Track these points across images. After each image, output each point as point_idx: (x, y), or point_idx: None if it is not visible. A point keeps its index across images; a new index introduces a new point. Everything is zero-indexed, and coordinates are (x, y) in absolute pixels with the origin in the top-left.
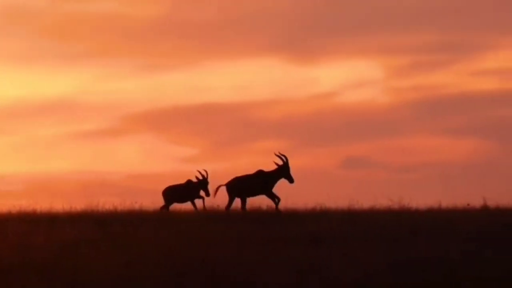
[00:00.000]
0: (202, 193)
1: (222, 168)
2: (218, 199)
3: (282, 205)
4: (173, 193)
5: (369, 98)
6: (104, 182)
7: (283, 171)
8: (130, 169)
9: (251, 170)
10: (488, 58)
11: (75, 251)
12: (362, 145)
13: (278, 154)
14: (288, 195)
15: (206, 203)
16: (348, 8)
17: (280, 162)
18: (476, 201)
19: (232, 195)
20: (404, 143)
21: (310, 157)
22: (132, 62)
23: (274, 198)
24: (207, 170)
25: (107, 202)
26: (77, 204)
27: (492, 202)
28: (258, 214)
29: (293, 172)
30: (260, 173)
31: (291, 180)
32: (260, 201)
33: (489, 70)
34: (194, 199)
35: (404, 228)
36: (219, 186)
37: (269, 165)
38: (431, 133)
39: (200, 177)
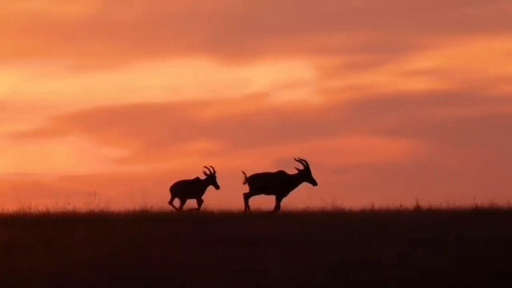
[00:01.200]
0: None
1: (155, 169)
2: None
3: (216, 206)
4: (180, 188)
5: (301, 99)
6: (36, 183)
7: (304, 175)
8: (62, 170)
9: (187, 171)
10: (419, 58)
11: (7, 254)
12: (295, 145)
13: (298, 159)
14: (222, 196)
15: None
16: (280, 9)
17: (301, 167)
18: (408, 202)
19: (251, 190)
20: (336, 144)
21: (243, 158)
22: (63, 62)
23: (279, 204)
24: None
25: (39, 204)
26: (9, 206)
27: (424, 203)
28: (193, 214)
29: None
30: (281, 173)
31: (314, 183)
32: (194, 203)
33: (421, 70)
34: (201, 197)
35: (337, 229)
36: (245, 180)
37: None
38: (363, 133)
39: (208, 173)
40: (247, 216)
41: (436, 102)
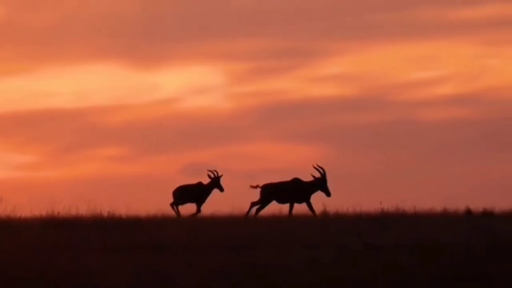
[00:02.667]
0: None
1: (62, 175)
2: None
3: (124, 212)
4: (182, 192)
5: (210, 104)
6: None
7: (320, 183)
8: None
9: (95, 177)
10: (327, 64)
11: None
12: (204, 151)
13: (316, 166)
14: (129, 202)
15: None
16: (189, 14)
17: (318, 175)
18: (316, 207)
19: (266, 198)
20: (245, 149)
21: (152, 163)
22: None
23: (312, 208)
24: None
25: None
26: None
27: (331, 208)
28: (101, 221)
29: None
30: (295, 180)
31: (328, 194)
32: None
33: (328, 76)
34: (203, 201)
35: (245, 234)
36: (255, 186)
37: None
38: (272, 139)
39: (212, 176)
40: (155, 222)
41: (343, 108)
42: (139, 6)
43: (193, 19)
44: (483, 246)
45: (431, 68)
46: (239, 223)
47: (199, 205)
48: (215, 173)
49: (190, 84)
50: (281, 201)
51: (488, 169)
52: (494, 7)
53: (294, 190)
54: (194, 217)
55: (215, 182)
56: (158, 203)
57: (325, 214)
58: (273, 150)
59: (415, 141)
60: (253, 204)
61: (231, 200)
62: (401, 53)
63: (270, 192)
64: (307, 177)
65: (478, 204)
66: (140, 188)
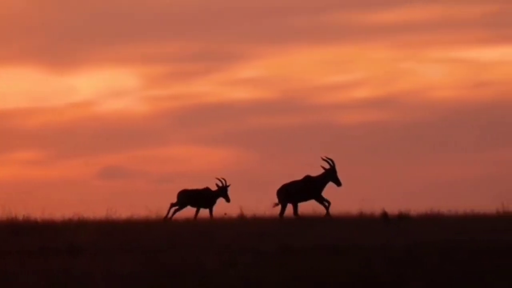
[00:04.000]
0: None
1: None
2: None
3: (39, 216)
4: (187, 196)
5: (126, 107)
6: None
7: (330, 174)
8: None
9: (10, 180)
10: (244, 68)
11: None
12: (120, 154)
13: (324, 158)
14: (45, 205)
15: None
16: (105, 17)
17: (327, 166)
18: (233, 211)
19: (283, 201)
20: (162, 152)
21: (67, 167)
22: None
23: (324, 202)
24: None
25: None
26: None
27: (248, 211)
28: (16, 224)
29: (340, 175)
30: (307, 178)
31: (338, 184)
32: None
33: (245, 79)
34: (211, 206)
35: (162, 237)
36: (275, 205)
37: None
38: (189, 142)
39: (220, 184)
40: (70, 226)
41: (260, 111)
42: (55, 9)
43: (110, 22)
44: (399, 248)
45: (346, 72)
46: (154, 225)
47: (206, 209)
48: (223, 182)
49: (106, 87)
50: (298, 200)
51: (403, 172)
52: (408, 11)
53: (307, 188)
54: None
55: (222, 191)
56: (74, 206)
57: (241, 217)
58: (190, 153)
59: (331, 144)
60: (276, 204)
61: (147, 203)
62: (317, 57)
63: (289, 191)
64: (299, 174)
65: (394, 207)
66: (56, 192)
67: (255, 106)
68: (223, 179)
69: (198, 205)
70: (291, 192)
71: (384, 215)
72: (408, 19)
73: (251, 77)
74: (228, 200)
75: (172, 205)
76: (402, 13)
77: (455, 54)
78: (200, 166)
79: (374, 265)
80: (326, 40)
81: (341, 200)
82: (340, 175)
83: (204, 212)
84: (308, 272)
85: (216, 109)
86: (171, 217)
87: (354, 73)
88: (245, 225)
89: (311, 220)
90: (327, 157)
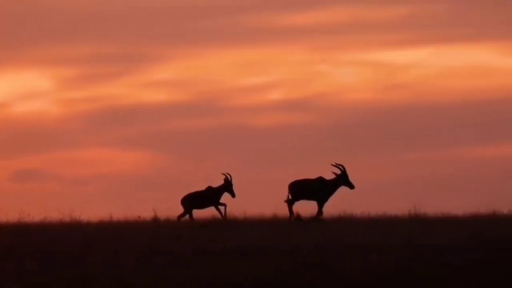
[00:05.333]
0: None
1: None
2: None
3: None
4: (192, 200)
5: (40, 110)
6: None
7: (342, 179)
8: None
9: None
10: (159, 69)
11: None
12: (34, 157)
13: (334, 164)
14: None
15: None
16: (18, 19)
17: (338, 172)
18: (147, 213)
19: (294, 196)
20: (75, 155)
21: None
22: None
23: (321, 210)
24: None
25: None
26: None
27: (162, 214)
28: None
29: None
30: (320, 179)
31: (351, 187)
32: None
33: (159, 82)
34: (217, 205)
35: (75, 241)
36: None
37: None
38: (103, 144)
39: (226, 179)
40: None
41: (175, 113)
42: None
43: (22, 24)
44: (311, 251)
45: (261, 74)
46: (68, 228)
47: (217, 208)
48: (229, 177)
49: (19, 89)
50: (307, 198)
51: (317, 174)
52: (323, 14)
53: (318, 188)
54: (225, 219)
55: (226, 186)
56: None
57: (156, 220)
58: (104, 156)
59: (245, 147)
60: (288, 202)
61: (61, 206)
62: (232, 59)
63: (298, 188)
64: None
65: (307, 209)
66: None
67: (170, 108)
68: (228, 174)
69: (203, 206)
70: (301, 189)
71: (298, 217)
72: (322, 22)
73: (165, 79)
74: (233, 195)
75: (180, 216)
76: (317, 16)
77: (369, 57)
78: (114, 168)
79: (286, 267)
80: (241, 42)
81: (256, 202)
82: (254, 178)
83: (118, 215)
84: (222, 275)
85: (130, 111)
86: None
87: (269, 75)
88: (159, 227)
89: (225, 223)
90: (337, 163)
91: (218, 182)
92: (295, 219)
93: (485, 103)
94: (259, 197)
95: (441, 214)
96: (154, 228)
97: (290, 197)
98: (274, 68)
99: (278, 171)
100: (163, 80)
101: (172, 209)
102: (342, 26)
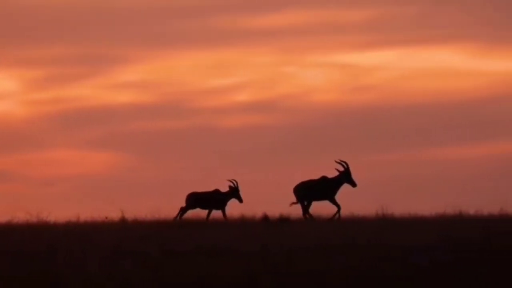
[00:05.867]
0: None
1: None
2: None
3: None
4: (197, 199)
5: (6, 111)
6: None
7: (345, 176)
8: None
9: None
10: (125, 71)
11: None
12: (1, 158)
13: (338, 161)
14: None
15: (239, 210)
16: None
17: (341, 168)
18: (114, 214)
19: (300, 199)
20: (42, 156)
21: None
22: None
23: (337, 204)
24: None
25: None
26: None
27: (129, 215)
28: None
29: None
30: (323, 178)
31: (353, 185)
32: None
33: (126, 83)
34: (223, 208)
35: (42, 242)
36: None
37: None
38: (69, 146)
39: (233, 186)
40: None
41: (141, 115)
42: None
43: None
44: (279, 252)
45: (228, 76)
46: (34, 229)
47: (219, 210)
48: (235, 183)
49: None
50: (312, 198)
51: (284, 175)
52: (289, 16)
53: (322, 187)
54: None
55: (234, 193)
56: None
57: (123, 220)
58: (71, 157)
59: (212, 148)
60: (293, 203)
61: (27, 207)
62: (199, 60)
63: (304, 190)
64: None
65: (275, 210)
66: None
67: (136, 109)
68: (234, 180)
69: (208, 207)
70: (308, 190)
71: (265, 218)
72: (289, 24)
73: (132, 81)
74: (240, 201)
75: (182, 208)
76: (284, 18)
77: (335, 59)
78: (81, 169)
79: (254, 268)
80: (208, 44)
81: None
82: (220, 178)
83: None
84: (189, 275)
85: (97, 113)
86: (180, 218)
87: (236, 77)
88: (126, 228)
89: (193, 224)
90: (341, 160)
91: (186, 181)
92: (263, 220)
93: (450, 105)
94: None
95: (408, 214)
96: (122, 229)
97: (295, 201)
98: (241, 69)
99: (245, 172)
100: (130, 81)
101: (140, 209)
102: (309, 28)
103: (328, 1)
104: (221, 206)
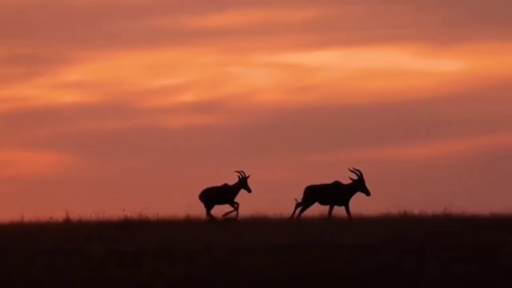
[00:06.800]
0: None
1: None
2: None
3: None
4: (210, 195)
5: None
6: None
7: (358, 185)
8: None
9: None
10: (69, 71)
11: None
12: None
13: (352, 169)
14: None
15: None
16: None
17: (355, 177)
18: (58, 214)
19: (307, 200)
20: None
21: None
22: None
23: (349, 210)
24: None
25: None
26: None
27: (74, 215)
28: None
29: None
30: (336, 184)
31: (367, 193)
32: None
33: (70, 83)
34: (232, 201)
35: None
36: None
37: None
38: (13, 146)
39: (241, 177)
40: None
41: (86, 115)
42: None
43: None
44: (226, 251)
45: (173, 76)
46: None
47: (232, 205)
48: (242, 174)
49: None
50: (322, 202)
51: (228, 175)
52: (234, 16)
53: (334, 192)
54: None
55: (242, 183)
56: None
57: (68, 221)
58: (15, 157)
59: (157, 148)
60: (297, 205)
61: None
62: (143, 61)
63: (314, 193)
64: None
65: (219, 210)
66: None
67: (81, 109)
68: (241, 171)
69: (220, 202)
70: (319, 193)
71: (211, 218)
72: (234, 23)
73: (77, 81)
74: (249, 190)
75: (208, 212)
76: (228, 18)
77: (280, 59)
78: (25, 170)
79: (199, 268)
80: (152, 44)
81: (168, 203)
82: (166, 179)
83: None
84: (134, 275)
85: (41, 113)
86: (225, 214)
87: (180, 77)
88: (71, 228)
89: (138, 224)
90: (354, 168)
91: (132, 182)
92: (210, 220)
93: (394, 105)
94: (172, 198)
95: (353, 214)
96: (66, 229)
97: (302, 200)
98: (185, 69)
99: (190, 172)
100: (75, 81)
101: (84, 209)
102: (253, 28)
103: (272, 1)
104: (231, 200)
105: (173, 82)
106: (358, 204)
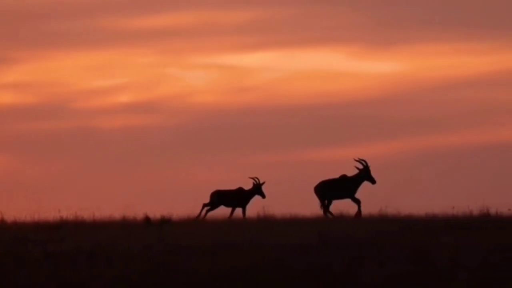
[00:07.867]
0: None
1: None
2: None
3: None
4: (221, 196)
5: None
6: None
7: (364, 174)
8: None
9: None
10: (5, 72)
11: None
12: None
13: (357, 159)
14: None
15: (260, 207)
16: None
17: (361, 167)
18: None
19: (321, 198)
20: None
21: None
22: None
23: (357, 201)
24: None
25: None
26: None
27: (9, 217)
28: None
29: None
30: (343, 177)
31: (373, 182)
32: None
33: (5, 84)
34: (245, 205)
35: None
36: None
37: None
38: None
39: (255, 183)
40: None
41: (20, 116)
42: None
43: None
44: (163, 251)
45: (109, 77)
46: None
47: (242, 209)
48: (257, 180)
49: None
50: (333, 197)
51: (166, 176)
52: (171, 17)
53: (343, 186)
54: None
55: (257, 189)
56: None
57: (2, 222)
58: None
59: (93, 149)
60: (322, 205)
61: None
62: (80, 61)
63: (327, 188)
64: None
65: (156, 211)
66: None
67: (17, 110)
68: (256, 177)
69: (232, 204)
70: (329, 189)
71: (147, 219)
72: (170, 25)
73: (12, 81)
74: (263, 196)
75: (205, 205)
76: (165, 19)
77: (216, 60)
78: None
79: (135, 268)
80: (88, 45)
81: (104, 205)
82: (102, 180)
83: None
84: (70, 276)
85: None
86: (203, 217)
87: (117, 78)
88: (5, 229)
89: (73, 225)
90: (360, 158)
91: (67, 183)
92: (145, 222)
93: (330, 106)
94: (108, 199)
95: (289, 215)
96: (1, 230)
97: (319, 201)
98: (122, 70)
99: (126, 173)
100: (10, 82)
101: (19, 211)
102: (190, 29)
103: (208, 2)
104: (244, 204)
105: (109, 83)
106: (294, 204)
